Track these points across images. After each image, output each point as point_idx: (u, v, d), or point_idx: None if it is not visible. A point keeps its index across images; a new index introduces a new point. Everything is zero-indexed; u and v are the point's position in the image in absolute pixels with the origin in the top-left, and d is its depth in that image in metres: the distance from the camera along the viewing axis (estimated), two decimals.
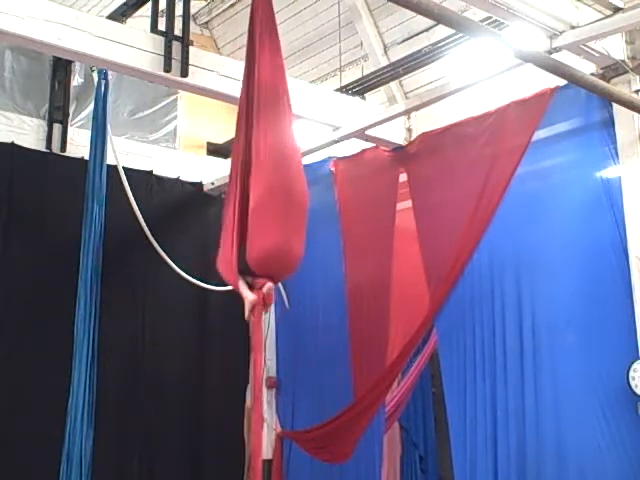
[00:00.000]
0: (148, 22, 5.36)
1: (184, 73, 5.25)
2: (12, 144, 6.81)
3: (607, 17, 4.93)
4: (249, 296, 4.28)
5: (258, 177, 4.29)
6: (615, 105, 5.09)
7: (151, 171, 7.69)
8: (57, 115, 7.14)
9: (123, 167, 6.78)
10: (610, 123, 5.24)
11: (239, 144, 4.48)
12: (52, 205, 6.90)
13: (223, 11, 8.73)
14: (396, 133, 6.79)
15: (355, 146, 7.05)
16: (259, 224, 4.21)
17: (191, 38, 5.41)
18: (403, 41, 7.32)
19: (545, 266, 5.53)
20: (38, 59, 7.12)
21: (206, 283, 7.16)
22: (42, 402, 6.46)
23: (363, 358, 6.68)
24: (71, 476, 5.88)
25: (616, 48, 5.22)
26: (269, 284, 4.31)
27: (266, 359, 8.08)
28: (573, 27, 4.94)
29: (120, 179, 6.69)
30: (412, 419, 7.86)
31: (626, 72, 5.20)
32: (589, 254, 5.26)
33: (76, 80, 7.42)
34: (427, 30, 6.99)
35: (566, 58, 4.93)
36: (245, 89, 4.48)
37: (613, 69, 5.24)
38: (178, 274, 7.05)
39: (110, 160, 6.56)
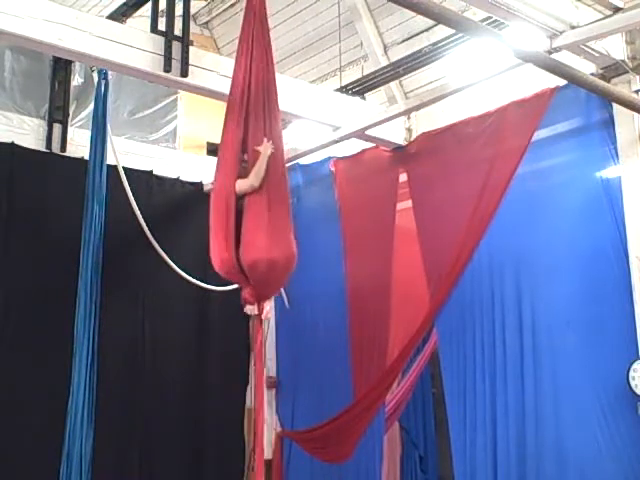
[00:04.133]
0: (148, 22, 5.35)
1: (184, 73, 5.25)
2: (12, 144, 6.81)
3: (607, 17, 4.93)
4: (252, 311, 4.43)
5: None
6: (615, 105, 5.09)
7: (151, 171, 7.69)
8: (57, 115, 7.13)
9: (123, 167, 6.77)
10: (610, 123, 5.24)
11: (232, 140, 4.51)
12: (52, 205, 6.89)
13: (223, 11, 8.74)
14: (396, 133, 6.79)
15: (355, 146, 7.05)
16: (252, 232, 4.31)
17: (191, 38, 5.40)
18: (403, 41, 7.32)
19: (545, 266, 5.53)
20: (38, 59, 7.12)
21: (206, 283, 7.16)
22: (42, 402, 6.46)
23: (363, 358, 6.68)
24: (71, 476, 5.88)
25: (616, 48, 5.22)
26: (267, 307, 4.48)
27: (266, 359, 8.08)
28: (573, 27, 4.94)
29: (120, 179, 6.68)
30: (412, 419, 7.85)
31: (626, 72, 5.20)
32: (589, 254, 5.26)
33: (76, 80, 7.41)
34: (427, 30, 6.99)
35: (566, 58, 4.93)
36: (240, 86, 4.50)
37: (613, 69, 5.24)
38: (178, 274, 7.05)
39: (110, 160, 6.55)
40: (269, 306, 4.57)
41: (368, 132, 6.51)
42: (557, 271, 5.45)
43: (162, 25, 5.30)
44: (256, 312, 4.46)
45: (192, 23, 6.56)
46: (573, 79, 4.56)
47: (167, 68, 5.19)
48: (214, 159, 7.96)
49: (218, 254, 4.44)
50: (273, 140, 4.48)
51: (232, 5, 8.55)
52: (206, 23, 9.02)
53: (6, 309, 6.55)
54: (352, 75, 7.40)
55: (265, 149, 4.44)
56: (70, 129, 7.20)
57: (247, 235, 4.33)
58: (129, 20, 5.97)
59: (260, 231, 4.31)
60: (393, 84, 7.14)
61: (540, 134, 5.50)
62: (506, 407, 5.56)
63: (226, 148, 4.59)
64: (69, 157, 7.09)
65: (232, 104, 4.57)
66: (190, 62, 5.28)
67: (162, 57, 5.19)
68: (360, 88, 6.79)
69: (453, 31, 5.31)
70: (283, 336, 7.91)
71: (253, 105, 4.48)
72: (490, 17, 5.19)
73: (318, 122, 6.44)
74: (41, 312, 6.62)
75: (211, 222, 4.54)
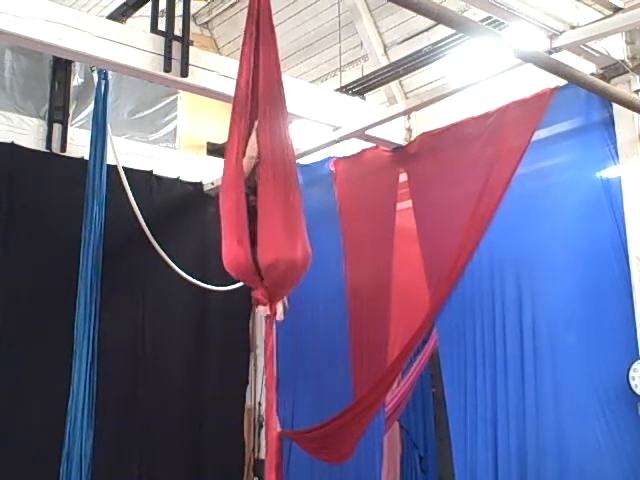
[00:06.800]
0: (148, 22, 5.37)
1: (184, 73, 5.26)
2: (12, 144, 6.82)
3: (607, 17, 4.93)
4: (265, 312, 4.31)
5: (264, 180, 4.28)
6: (615, 105, 5.09)
7: (151, 171, 7.70)
8: (57, 115, 7.14)
9: (123, 167, 6.78)
10: (610, 123, 5.24)
11: (238, 141, 4.49)
12: (52, 205, 6.90)
13: (223, 11, 8.74)
14: (396, 133, 6.79)
15: (355, 146, 7.05)
16: (269, 231, 4.17)
17: (191, 38, 5.41)
18: (403, 41, 7.32)
19: (545, 266, 5.53)
20: (38, 59, 7.13)
21: (206, 283, 7.16)
22: (42, 402, 6.46)
23: (363, 358, 6.68)
24: (71, 476, 5.88)
25: (616, 48, 5.22)
26: (283, 301, 4.36)
27: None
28: (573, 27, 4.94)
29: (120, 179, 6.69)
30: (412, 419, 7.84)
31: (626, 72, 5.20)
32: (589, 254, 5.25)
33: (76, 80, 7.42)
34: (427, 30, 6.99)
35: (566, 58, 4.93)
36: (246, 86, 4.50)
37: (613, 69, 5.24)
38: (178, 274, 7.05)
39: (110, 160, 6.56)
40: (282, 307, 4.43)
41: (368, 132, 6.51)
42: (557, 271, 5.44)
43: (162, 25, 5.31)
44: (268, 312, 4.37)
45: (192, 23, 6.58)
46: (573, 79, 4.56)
47: (167, 68, 5.20)
48: (214, 159, 8.13)
49: (232, 254, 4.32)
50: (281, 137, 4.39)
51: (232, 5, 8.55)
52: (206, 23, 9.02)
53: (6, 309, 6.56)
54: (352, 75, 7.39)
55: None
56: (70, 129, 7.21)
57: (264, 234, 4.16)
58: (129, 20, 5.98)
59: (277, 229, 4.18)
60: (393, 84, 7.14)
61: (540, 134, 5.50)
62: (506, 407, 5.55)
63: (232, 148, 4.56)
64: (69, 157, 7.10)
65: (237, 104, 4.55)
66: (190, 62, 5.29)
67: (162, 57, 5.20)
68: (360, 88, 6.79)
69: (453, 31, 5.32)
70: (283, 336, 7.86)
71: (259, 104, 4.47)
72: (490, 17, 5.20)
73: (318, 122, 6.44)
74: (41, 312, 6.63)
75: (223, 222, 4.44)
